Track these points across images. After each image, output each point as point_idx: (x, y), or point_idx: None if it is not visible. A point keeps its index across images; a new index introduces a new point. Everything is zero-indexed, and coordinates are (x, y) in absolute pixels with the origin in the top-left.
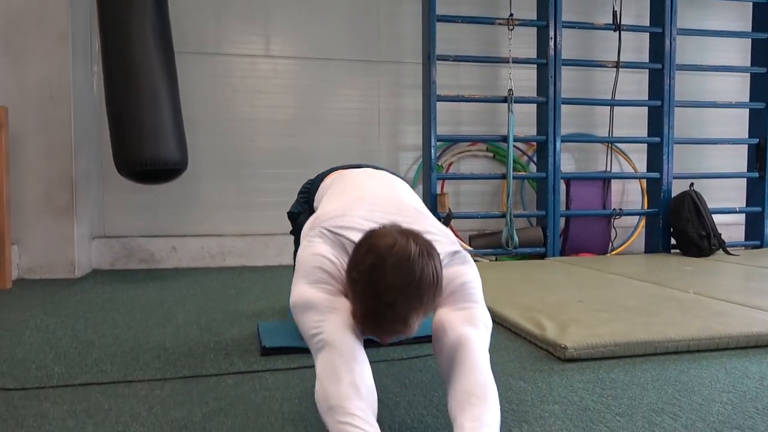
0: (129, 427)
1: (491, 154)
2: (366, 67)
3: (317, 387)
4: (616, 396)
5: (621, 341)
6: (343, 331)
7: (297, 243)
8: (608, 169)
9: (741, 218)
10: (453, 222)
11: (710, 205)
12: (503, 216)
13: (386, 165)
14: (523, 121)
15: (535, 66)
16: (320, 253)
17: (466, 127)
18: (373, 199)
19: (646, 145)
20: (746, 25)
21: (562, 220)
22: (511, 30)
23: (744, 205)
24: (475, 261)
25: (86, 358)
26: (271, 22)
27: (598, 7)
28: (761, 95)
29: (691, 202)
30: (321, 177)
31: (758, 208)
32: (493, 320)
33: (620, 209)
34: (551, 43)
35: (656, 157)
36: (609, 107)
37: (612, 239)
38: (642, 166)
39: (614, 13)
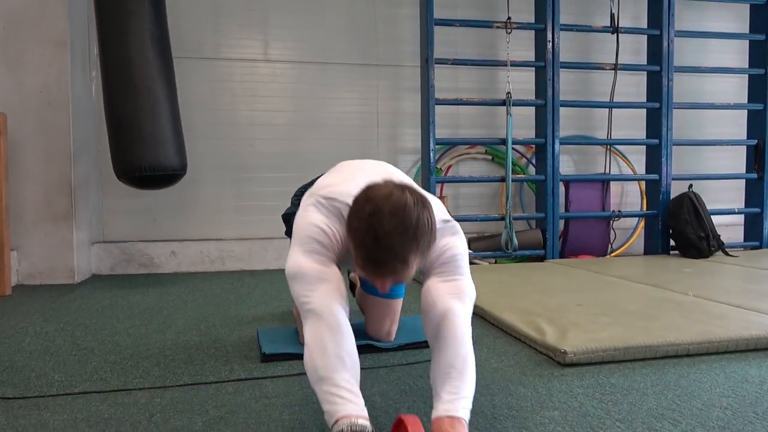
0: None
1: (490, 157)
2: (364, 71)
3: (306, 355)
4: (616, 401)
5: (621, 346)
6: (329, 302)
7: None
8: (607, 171)
9: (740, 219)
10: None
11: (709, 207)
12: (502, 218)
13: None
14: (522, 123)
15: (533, 69)
16: (314, 223)
17: (465, 130)
18: (366, 174)
19: (644, 146)
20: (744, 27)
21: (562, 222)
22: (509, 33)
23: (743, 206)
24: (474, 264)
25: (86, 365)
26: (269, 26)
27: (596, 10)
28: (759, 96)
29: (690, 203)
30: (314, 181)
31: (757, 209)
32: (493, 324)
33: (619, 211)
34: (549, 46)
35: (655, 158)
36: (607, 109)
37: (611, 241)
38: (641, 168)
39: (612, 16)
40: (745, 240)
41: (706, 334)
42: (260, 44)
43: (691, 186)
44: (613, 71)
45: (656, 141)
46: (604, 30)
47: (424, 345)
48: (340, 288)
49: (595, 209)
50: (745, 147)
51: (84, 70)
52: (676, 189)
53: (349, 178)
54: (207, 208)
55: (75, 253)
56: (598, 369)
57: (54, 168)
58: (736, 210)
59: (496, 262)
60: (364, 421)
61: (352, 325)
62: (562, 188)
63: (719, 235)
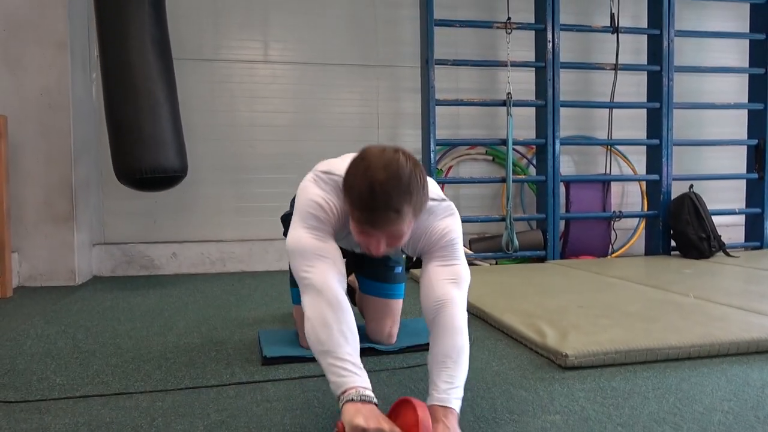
0: None
1: (491, 158)
2: (365, 72)
3: (308, 328)
4: (618, 405)
5: (622, 348)
6: (328, 279)
7: None
8: (608, 171)
9: (741, 219)
10: None
11: (710, 207)
12: (503, 219)
13: None
14: (522, 124)
15: (534, 69)
16: (312, 198)
17: (466, 131)
18: None
19: (645, 146)
20: (744, 26)
21: (562, 223)
22: (509, 33)
23: (744, 206)
24: (475, 265)
25: (87, 368)
26: (269, 27)
27: (596, 10)
28: (760, 96)
29: (691, 204)
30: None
31: (758, 209)
32: (493, 326)
33: (620, 211)
34: (549, 46)
35: (655, 159)
36: (608, 109)
37: (612, 241)
38: (641, 168)
39: (612, 16)
40: (745, 240)
41: (707, 337)
42: (260, 45)
43: (691, 186)
44: (614, 71)
45: (657, 141)
46: (604, 30)
47: (425, 348)
48: (337, 264)
49: (596, 210)
50: (745, 147)
51: (84, 71)
52: (677, 189)
53: (346, 158)
54: (207, 210)
55: (76, 255)
56: (599, 372)
57: (54, 170)
58: (737, 210)
59: (496, 263)
60: (370, 392)
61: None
62: (562, 189)
63: (720, 236)
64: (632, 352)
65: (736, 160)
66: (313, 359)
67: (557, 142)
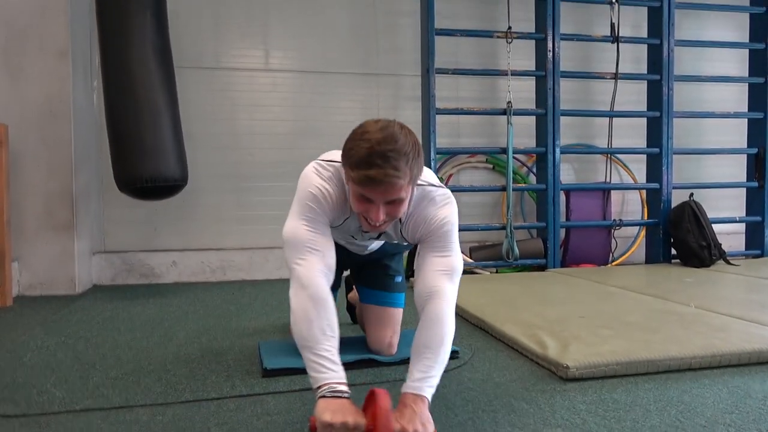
0: None
1: (491, 166)
2: (365, 80)
3: (292, 319)
4: (619, 418)
5: (623, 360)
6: (314, 273)
7: None
8: (608, 179)
9: (741, 227)
10: None
11: (710, 215)
12: (503, 228)
13: None
14: (523, 132)
15: (534, 78)
16: (308, 189)
17: (466, 139)
18: None
19: (645, 155)
20: (743, 36)
21: (563, 231)
22: (510, 43)
23: (744, 214)
24: (476, 273)
25: (87, 382)
26: (269, 35)
27: (596, 19)
28: (759, 105)
29: (691, 212)
30: None
31: (758, 218)
32: (494, 337)
33: (620, 220)
34: (549, 55)
35: (655, 167)
36: (608, 118)
37: (612, 250)
38: (641, 177)
39: (612, 25)
40: (746, 248)
41: (708, 348)
42: (261, 53)
43: (692, 195)
44: (614, 80)
45: (657, 150)
46: (604, 39)
47: None
48: (326, 257)
49: (596, 218)
50: (745, 155)
51: (85, 80)
52: (677, 198)
53: None
54: (208, 218)
55: (76, 264)
56: (600, 384)
57: (55, 178)
58: (737, 218)
59: (497, 272)
60: (343, 386)
61: (353, 339)
62: (562, 197)
63: (720, 244)
64: (633, 364)
65: (736, 169)
66: None
67: (557, 150)
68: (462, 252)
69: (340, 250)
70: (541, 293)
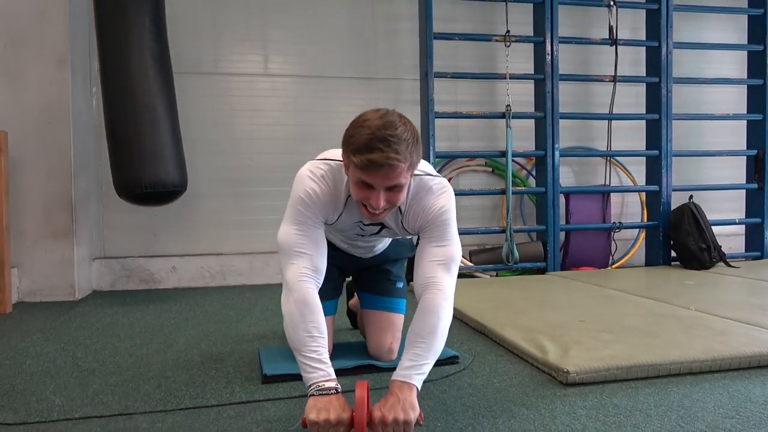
0: None
1: (490, 169)
2: (364, 84)
3: (284, 323)
4: (620, 424)
5: (623, 365)
6: (301, 278)
7: None
8: (607, 182)
9: (741, 229)
10: None
11: (710, 217)
12: (503, 231)
13: None
14: (522, 135)
15: (533, 81)
16: (299, 193)
17: (465, 143)
18: None
19: (644, 157)
20: (742, 37)
21: (562, 234)
22: (508, 46)
23: (743, 216)
24: (475, 277)
25: (87, 388)
26: (269, 40)
27: (594, 22)
28: (758, 106)
29: (691, 214)
30: None
31: (758, 219)
32: (494, 341)
33: (620, 222)
34: (548, 59)
35: (655, 169)
36: (607, 121)
37: (612, 252)
38: (641, 179)
39: (610, 28)
40: (746, 250)
41: (708, 352)
42: (260, 58)
43: (691, 197)
44: (613, 83)
45: (656, 152)
46: (602, 42)
47: None
48: (313, 260)
49: (596, 221)
50: (745, 157)
51: (84, 86)
52: (677, 200)
53: None
54: (207, 223)
55: (76, 270)
56: (600, 389)
57: (54, 185)
58: (737, 220)
59: (497, 275)
60: (330, 383)
61: (353, 344)
62: (562, 200)
63: (720, 246)
64: (634, 368)
65: (736, 171)
66: None
67: (557, 153)
68: (462, 256)
69: (342, 255)
70: (541, 297)
